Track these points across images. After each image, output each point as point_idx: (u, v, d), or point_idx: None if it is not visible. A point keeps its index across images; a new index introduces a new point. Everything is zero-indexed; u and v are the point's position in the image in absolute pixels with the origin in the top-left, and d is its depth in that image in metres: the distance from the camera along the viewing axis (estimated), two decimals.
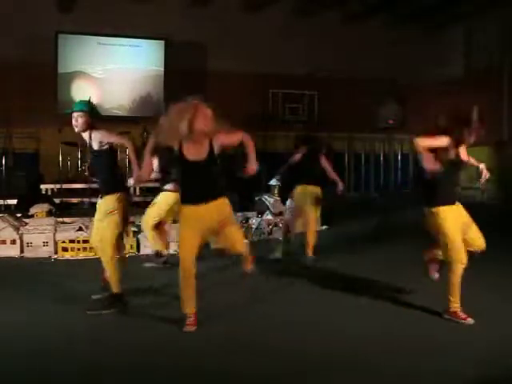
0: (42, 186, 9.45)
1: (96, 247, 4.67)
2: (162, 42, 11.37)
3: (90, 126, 4.47)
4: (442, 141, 4.08)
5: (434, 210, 4.18)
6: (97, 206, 4.62)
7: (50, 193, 9.26)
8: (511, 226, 8.51)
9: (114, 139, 4.53)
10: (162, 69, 11.46)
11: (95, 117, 4.56)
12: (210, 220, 3.96)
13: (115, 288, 4.40)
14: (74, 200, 8.72)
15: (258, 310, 4.46)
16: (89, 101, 4.61)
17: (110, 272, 4.41)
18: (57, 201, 8.45)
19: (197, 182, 3.98)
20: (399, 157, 13.67)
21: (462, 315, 4.24)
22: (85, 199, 8.53)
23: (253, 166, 4.02)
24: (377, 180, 13.63)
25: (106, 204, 4.41)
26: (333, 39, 12.48)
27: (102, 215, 4.43)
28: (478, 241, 4.36)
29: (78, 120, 4.45)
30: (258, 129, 12.29)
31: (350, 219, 9.41)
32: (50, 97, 10.65)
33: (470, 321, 4.20)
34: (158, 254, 5.96)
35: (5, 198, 8.67)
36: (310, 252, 6.25)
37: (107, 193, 4.45)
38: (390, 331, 4.04)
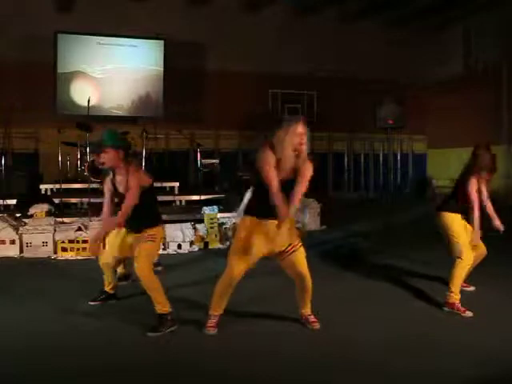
0: (42, 186, 9.43)
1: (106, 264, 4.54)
2: (162, 41, 11.36)
3: (124, 162, 4.14)
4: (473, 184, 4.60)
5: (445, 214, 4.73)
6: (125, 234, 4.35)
7: (49, 193, 9.24)
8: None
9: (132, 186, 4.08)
10: (162, 69, 11.45)
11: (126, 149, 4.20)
12: (279, 238, 3.83)
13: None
14: (74, 200, 8.70)
15: (258, 310, 4.45)
16: (115, 133, 4.27)
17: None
18: (56, 201, 8.43)
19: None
20: (399, 157, 13.67)
21: (461, 308, 4.38)
22: (84, 199, 8.51)
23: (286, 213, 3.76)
24: (376, 180, 13.63)
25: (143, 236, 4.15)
26: (333, 39, 12.48)
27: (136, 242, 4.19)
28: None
29: (104, 156, 4.11)
30: (257, 129, 12.32)
31: (349, 219, 9.41)
32: (50, 97, 10.64)
33: (469, 313, 4.34)
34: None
35: (4, 197, 8.65)
36: None
37: (145, 228, 4.16)
38: (390, 331, 4.04)
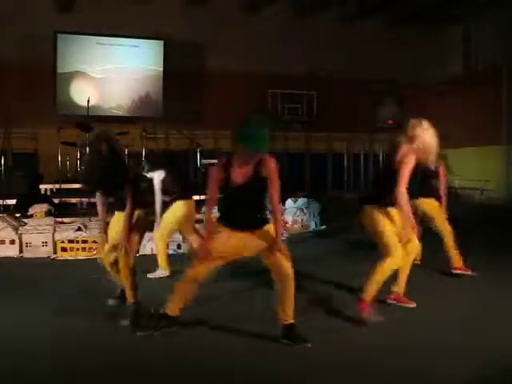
0: (41, 186, 9.43)
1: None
2: (161, 41, 11.36)
3: None
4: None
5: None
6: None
7: (49, 193, 9.24)
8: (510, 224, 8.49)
9: None
10: (161, 69, 11.45)
11: None
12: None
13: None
14: (73, 200, 8.70)
15: (259, 310, 4.45)
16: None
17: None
18: (56, 201, 8.43)
19: None
20: None
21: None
22: (84, 199, 8.51)
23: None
24: None
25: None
26: (333, 39, 12.47)
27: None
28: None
29: None
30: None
31: (348, 219, 9.38)
32: (49, 97, 10.64)
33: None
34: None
35: (4, 197, 8.65)
36: None
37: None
38: (391, 333, 4.03)
